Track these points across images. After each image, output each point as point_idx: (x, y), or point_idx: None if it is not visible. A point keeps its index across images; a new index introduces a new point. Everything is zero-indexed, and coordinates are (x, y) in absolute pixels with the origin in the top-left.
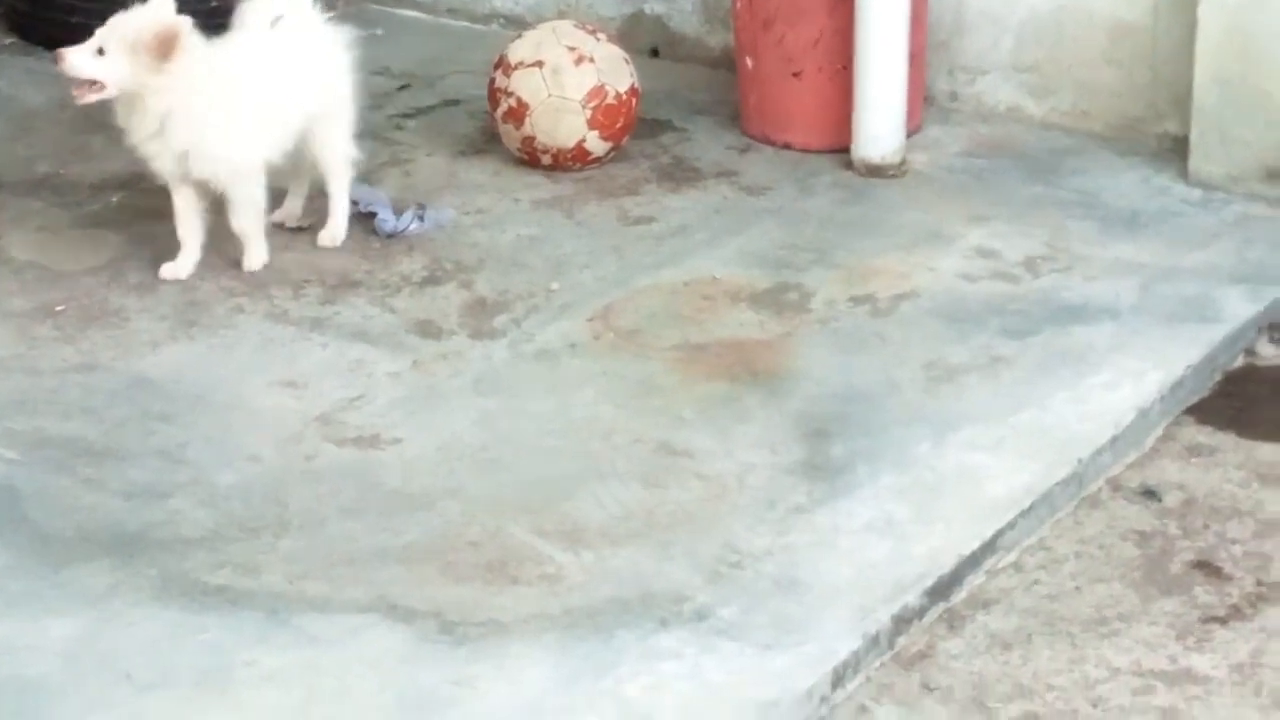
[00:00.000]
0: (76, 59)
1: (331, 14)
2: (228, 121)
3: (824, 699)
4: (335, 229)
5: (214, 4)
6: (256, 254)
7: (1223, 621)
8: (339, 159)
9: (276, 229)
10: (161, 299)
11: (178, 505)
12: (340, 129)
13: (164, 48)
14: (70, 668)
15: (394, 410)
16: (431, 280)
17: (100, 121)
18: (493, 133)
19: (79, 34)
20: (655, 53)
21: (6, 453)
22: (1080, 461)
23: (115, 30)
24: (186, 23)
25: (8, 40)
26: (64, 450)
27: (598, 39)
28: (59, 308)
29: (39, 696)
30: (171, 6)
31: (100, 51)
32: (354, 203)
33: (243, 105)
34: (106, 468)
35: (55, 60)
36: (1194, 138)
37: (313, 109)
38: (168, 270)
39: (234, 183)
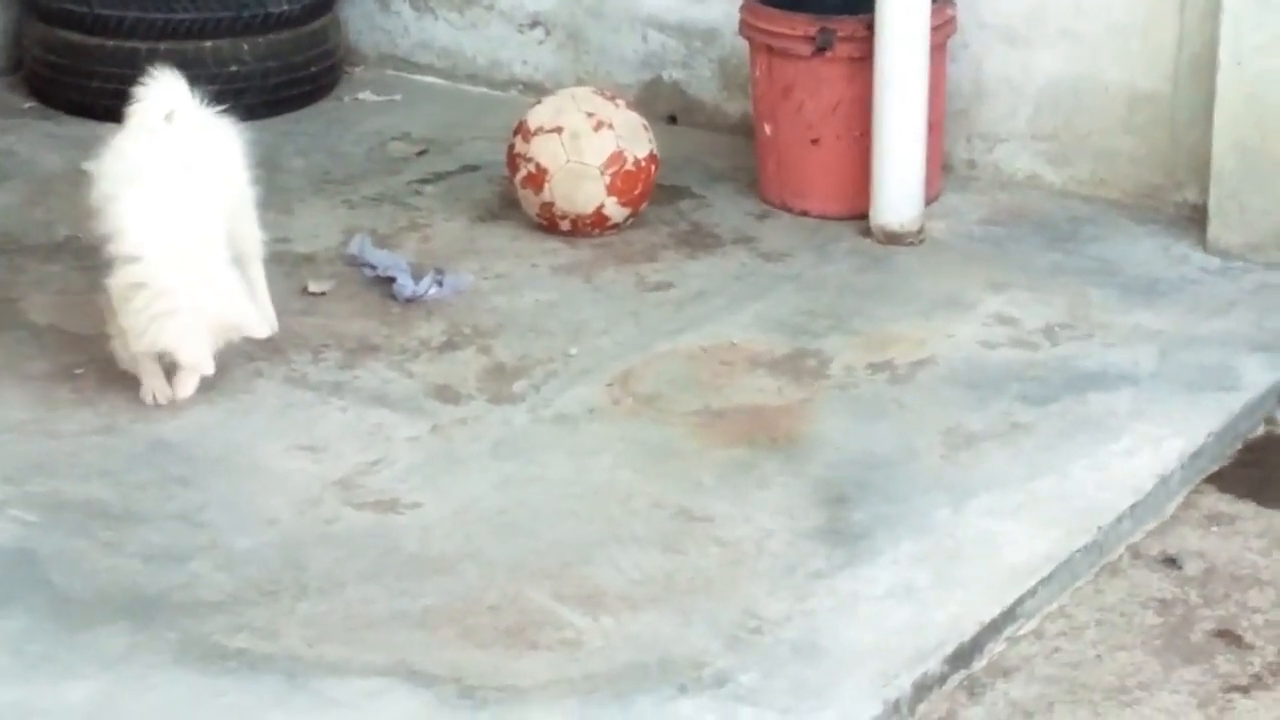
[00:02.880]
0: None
1: (220, 109)
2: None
3: None
4: (266, 314)
5: None
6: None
7: (1244, 691)
8: (249, 245)
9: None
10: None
11: (196, 568)
12: (246, 218)
13: None
14: None
15: (413, 475)
16: (450, 345)
17: None
18: (511, 198)
19: (99, 99)
20: (673, 119)
21: (26, 515)
22: (1101, 529)
23: None
24: None
25: (27, 104)
26: (83, 513)
27: (617, 105)
28: (78, 370)
29: None
30: None
31: None
32: (372, 267)
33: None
34: (125, 531)
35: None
36: (1212, 206)
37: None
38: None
39: None
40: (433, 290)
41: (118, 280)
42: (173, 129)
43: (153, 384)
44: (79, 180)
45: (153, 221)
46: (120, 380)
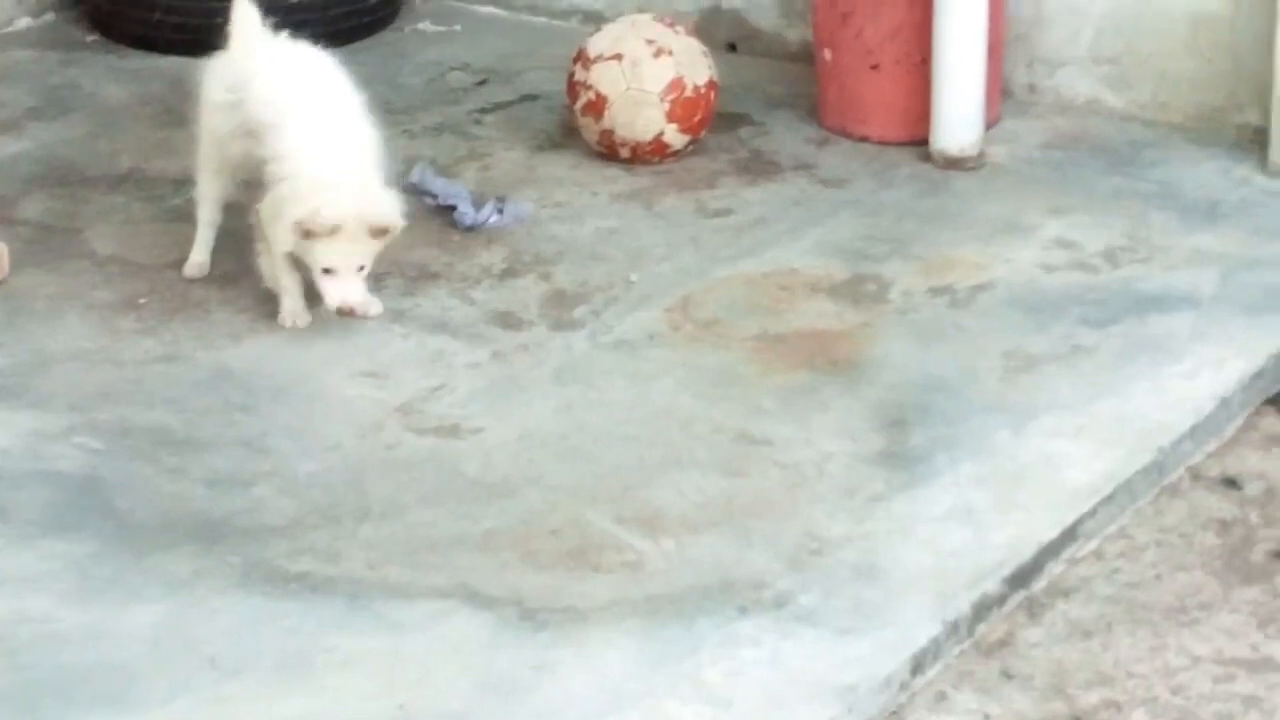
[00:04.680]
0: (356, 296)
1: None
2: None
3: (903, 685)
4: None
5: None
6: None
7: None
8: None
9: None
10: (243, 291)
11: (260, 494)
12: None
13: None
14: (154, 653)
15: (474, 400)
16: (511, 272)
17: (180, 117)
18: (571, 127)
19: (161, 32)
20: (733, 47)
21: (92, 443)
22: (1161, 450)
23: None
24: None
25: (90, 38)
26: (147, 440)
27: (676, 32)
28: (142, 300)
29: (124, 680)
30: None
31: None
32: (434, 195)
33: None
34: (189, 457)
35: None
36: (1274, 128)
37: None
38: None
39: None
40: (493, 218)
41: (276, 194)
42: (295, 51)
43: (292, 305)
44: (142, 113)
45: (317, 141)
46: (183, 310)
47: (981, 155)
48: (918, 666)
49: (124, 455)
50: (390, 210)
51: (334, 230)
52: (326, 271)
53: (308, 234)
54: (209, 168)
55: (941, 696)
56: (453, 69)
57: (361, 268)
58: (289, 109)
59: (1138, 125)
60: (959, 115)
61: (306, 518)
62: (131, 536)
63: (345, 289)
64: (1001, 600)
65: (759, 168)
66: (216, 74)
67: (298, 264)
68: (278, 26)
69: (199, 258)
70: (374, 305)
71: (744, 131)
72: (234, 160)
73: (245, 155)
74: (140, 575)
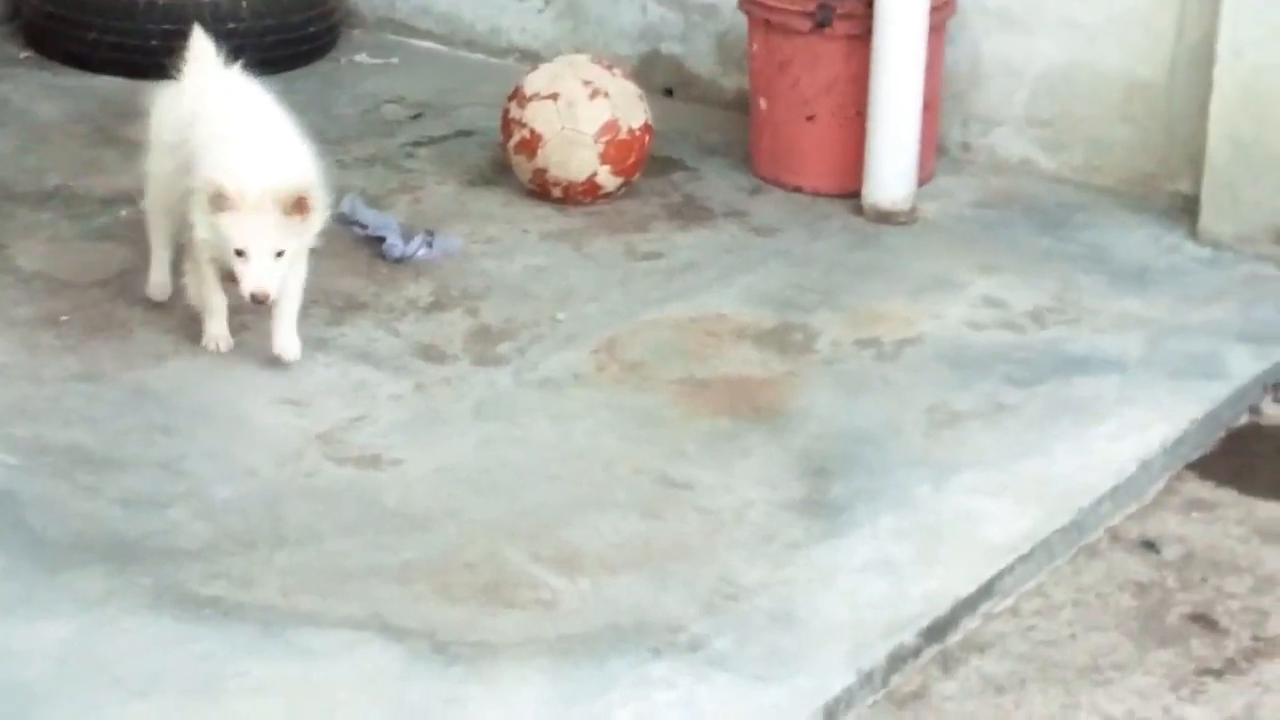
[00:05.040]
0: (270, 281)
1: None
2: None
3: None
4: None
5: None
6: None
7: (1218, 675)
8: None
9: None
10: (166, 313)
11: (175, 516)
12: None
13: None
14: (62, 671)
15: (395, 432)
16: (437, 306)
17: (111, 136)
18: (504, 164)
19: (96, 51)
20: (670, 92)
21: (7, 458)
22: (1081, 510)
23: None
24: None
25: (24, 54)
26: (64, 458)
27: (613, 75)
28: (64, 317)
29: (30, 699)
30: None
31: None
32: (363, 226)
33: None
34: (105, 476)
35: (257, 301)
36: (1205, 197)
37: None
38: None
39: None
40: (422, 251)
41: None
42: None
43: (215, 329)
44: (73, 131)
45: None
46: (106, 329)
47: (914, 210)
48: (830, 715)
49: (39, 472)
50: (300, 181)
51: (239, 200)
52: (239, 254)
53: (215, 204)
54: (158, 206)
55: None
56: (388, 101)
57: (280, 254)
58: (224, 128)
59: (1070, 188)
60: (893, 170)
61: (221, 542)
62: (43, 553)
63: (259, 273)
64: (916, 652)
65: (691, 213)
66: (166, 112)
67: (225, 281)
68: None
69: (158, 277)
70: (291, 349)
71: (677, 176)
72: (180, 194)
73: (187, 189)
74: (51, 592)
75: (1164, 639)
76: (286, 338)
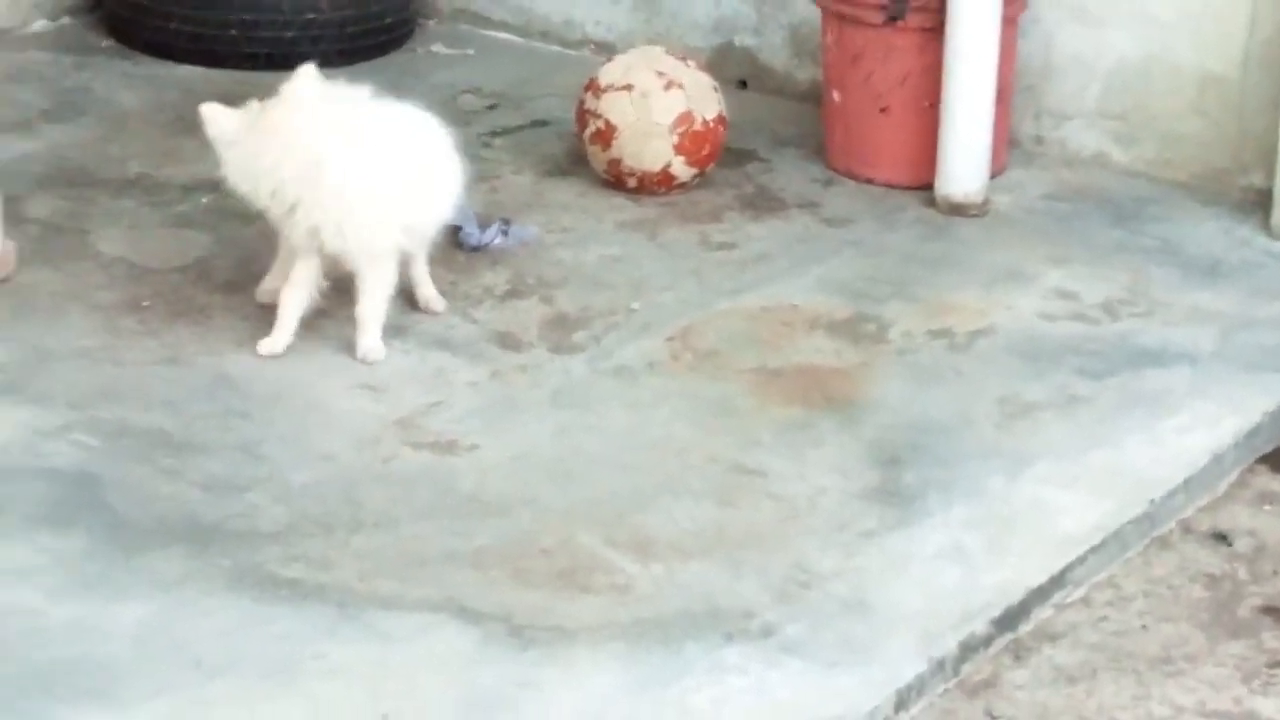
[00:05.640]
0: None
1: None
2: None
3: None
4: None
5: None
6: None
7: None
8: None
9: None
10: (246, 299)
11: (253, 499)
12: None
13: None
14: (140, 651)
15: (472, 418)
16: (514, 294)
17: (191, 125)
18: (579, 154)
19: (176, 40)
20: (744, 84)
21: (89, 440)
22: (1153, 502)
23: None
24: None
25: (105, 43)
26: (144, 441)
27: (688, 66)
28: (145, 303)
29: (108, 677)
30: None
31: None
32: None
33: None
34: (185, 459)
35: None
36: (1277, 191)
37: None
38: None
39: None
40: (498, 240)
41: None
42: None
43: (277, 335)
44: (153, 119)
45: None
46: (186, 314)
47: (986, 203)
48: (902, 703)
49: (120, 455)
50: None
51: None
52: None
53: None
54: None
55: None
56: (464, 92)
57: None
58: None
59: (1142, 181)
60: (965, 162)
61: (300, 525)
62: (123, 535)
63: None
64: (988, 641)
65: (764, 204)
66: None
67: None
68: (292, 42)
69: (270, 285)
70: (375, 352)
71: (751, 167)
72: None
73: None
74: (130, 574)
75: (1235, 631)
76: (371, 340)
